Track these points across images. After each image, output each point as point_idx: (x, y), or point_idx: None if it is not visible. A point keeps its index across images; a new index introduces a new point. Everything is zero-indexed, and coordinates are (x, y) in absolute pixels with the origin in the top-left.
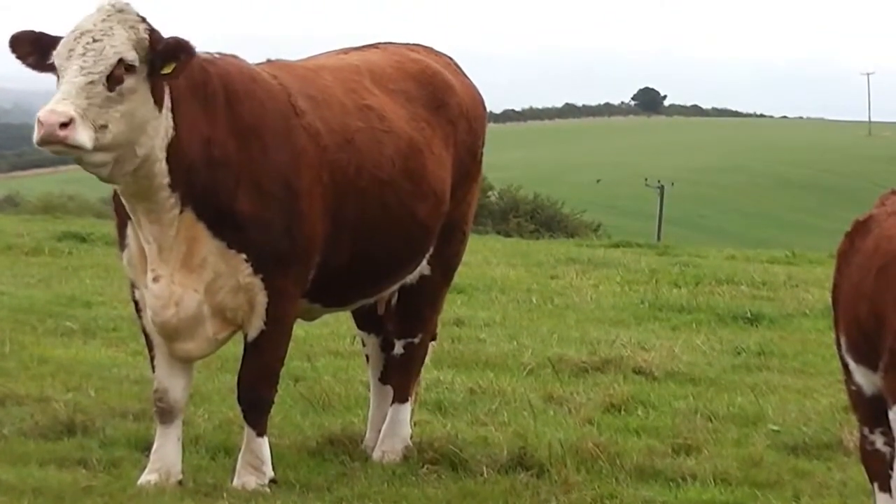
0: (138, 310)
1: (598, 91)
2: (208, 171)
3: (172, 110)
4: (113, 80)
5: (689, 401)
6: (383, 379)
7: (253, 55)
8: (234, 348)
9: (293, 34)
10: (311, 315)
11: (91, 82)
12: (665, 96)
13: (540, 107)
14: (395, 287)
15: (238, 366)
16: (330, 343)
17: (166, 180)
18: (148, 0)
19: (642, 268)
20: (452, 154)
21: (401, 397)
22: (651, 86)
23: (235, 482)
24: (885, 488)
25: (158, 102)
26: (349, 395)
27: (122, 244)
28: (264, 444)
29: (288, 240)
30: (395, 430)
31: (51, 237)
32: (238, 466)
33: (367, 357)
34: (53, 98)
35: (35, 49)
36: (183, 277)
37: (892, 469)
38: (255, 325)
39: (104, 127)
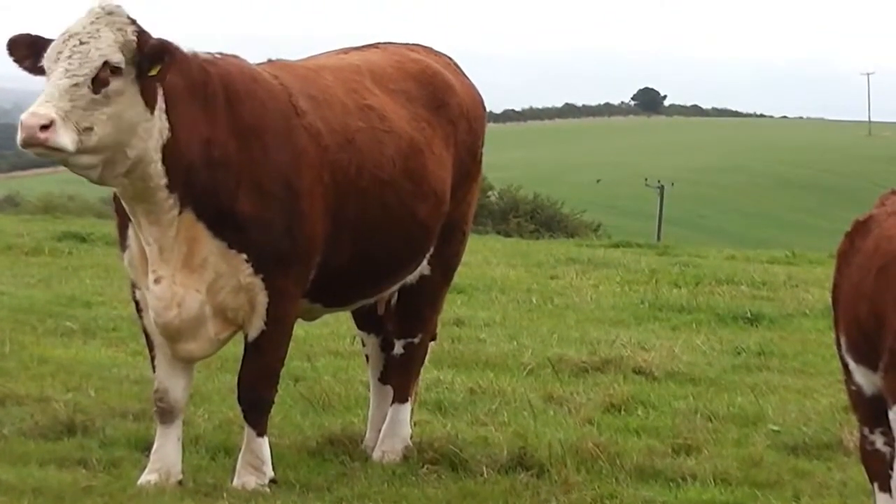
0: (139, 310)
1: (598, 91)
2: (208, 171)
3: (168, 111)
4: (98, 83)
5: (689, 401)
6: (383, 379)
7: (253, 55)
8: (234, 348)
9: (293, 34)
10: (311, 315)
11: (75, 84)
12: (665, 96)
13: (540, 107)
14: (396, 287)
15: (238, 366)
16: (330, 343)
17: (163, 181)
18: (149, 0)
19: (642, 268)
20: (453, 154)
21: (401, 397)
22: (651, 86)
23: (235, 482)
24: (885, 488)
25: (149, 104)
26: (349, 395)
27: (123, 245)
28: (264, 444)
29: (289, 240)
30: (395, 430)
31: (51, 237)
32: (238, 466)
33: (366, 357)
34: (37, 100)
35: (31, 52)
36: (184, 278)
37: (892, 469)
38: (256, 326)
39: (89, 129)
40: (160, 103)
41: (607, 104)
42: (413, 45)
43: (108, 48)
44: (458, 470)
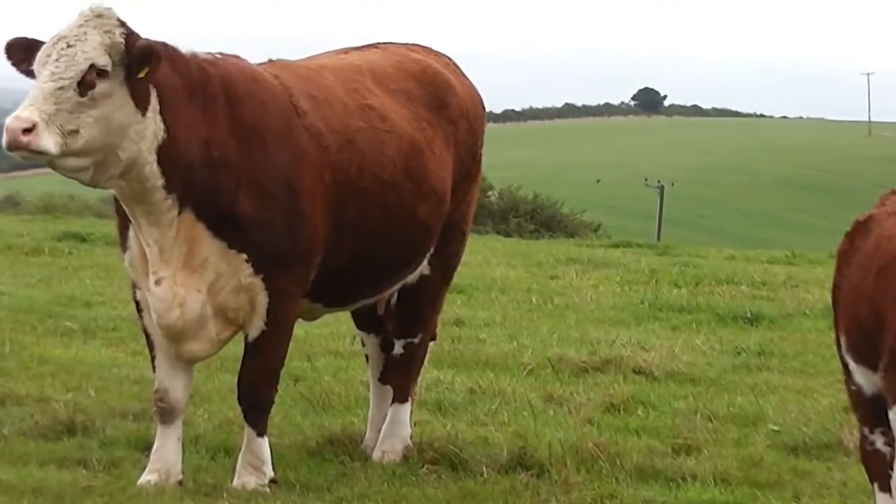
0: (139, 310)
1: (598, 91)
2: (208, 171)
3: (164, 112)
4: (84, 85)
5: (689, 401)
6: (383, 379)
7: (253, 55)
8: (234, 348)
9: (293, 34)
10: (312, 315)
11: (60, 88)
12: (665, 96)
13: (540, 107)
14: (396, 287)
15: (238, 366)
16: (330, 343)
17: (160, 182)
18: (149, 0)
19: (642, 268)
20: (453, 154)
21: (401, 397)
22: (651, 86)
23: (235, 482)
24: (885, 488)
25: (140, 105)
26: (349, 395)
27: (123, 246)
28: (264, 444)
29: (289, 240)
30: (395, 430)
31: (51, 237)
32: (238, 466)
33: (366, 357)
34: (22, 104)
35: (27, 55)
36: (185, 278)
37: (892, 469)
38: (256, 326)
39: (74, 132)
40: (154, 104)
41: (607, 104)
42: (413, 45)
43: (94, 51)
44: (458, 470)
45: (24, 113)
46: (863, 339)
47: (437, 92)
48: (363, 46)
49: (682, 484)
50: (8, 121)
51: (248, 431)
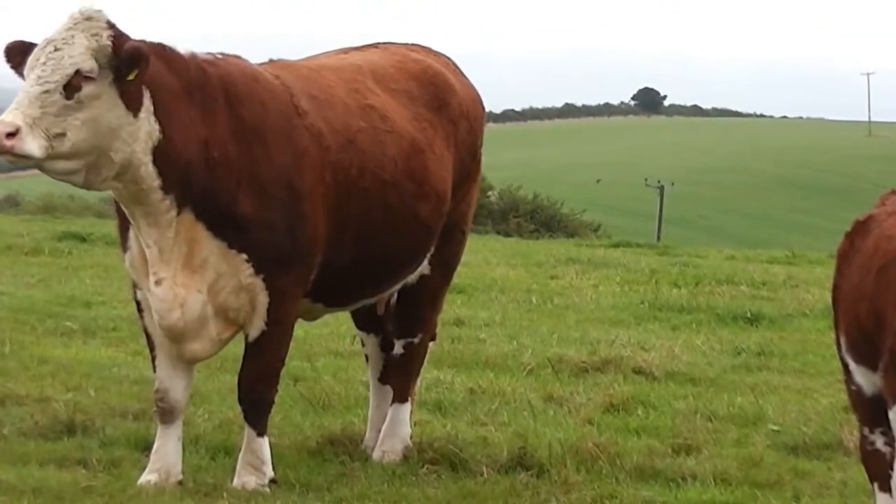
0: (140, 310)
1: (597, 91)
2: (207, 172)
3: (159, 113)
4: (70, 89)
5: (688, 401)
6: (383, 379)
7: (253, 55)
8: (234, 348)
9: (293, 34)
10: (312, 315)
11: (46, 91)
12: (665, 96)
13: (540, 107)
14: (397, 287)
15: (238, 366)
16: (330, 343)
17: (156, 183)
18: (149, 1)
19: (642, 268)
20: (454, 154)
21: (400, 397)
22: (651, 86)
23: (235, 482)
24: (886, 488)
25: (132, 107)
26: (349, 395)
27: (124, 246)
28: (264, 444)
29: (290, 241)
30: (394, 430)
31: (51, 237)
32: (238, 466)
33: (366, 357)
34: (8, 108)
35: (24, 59)
36: (185, 278)
37: (892, 469)
38: (257, 326)
39: (61, 135)
40: (147, 105)
41: (607, 104)
42: (413, 45)
43: (80, 55)
44: (458, 470)
45: (8, 117)
46: (863, 339)
47: (437, 92)
48: (363, 46)
49: (682, 484)
50: None
51: (248, 431)
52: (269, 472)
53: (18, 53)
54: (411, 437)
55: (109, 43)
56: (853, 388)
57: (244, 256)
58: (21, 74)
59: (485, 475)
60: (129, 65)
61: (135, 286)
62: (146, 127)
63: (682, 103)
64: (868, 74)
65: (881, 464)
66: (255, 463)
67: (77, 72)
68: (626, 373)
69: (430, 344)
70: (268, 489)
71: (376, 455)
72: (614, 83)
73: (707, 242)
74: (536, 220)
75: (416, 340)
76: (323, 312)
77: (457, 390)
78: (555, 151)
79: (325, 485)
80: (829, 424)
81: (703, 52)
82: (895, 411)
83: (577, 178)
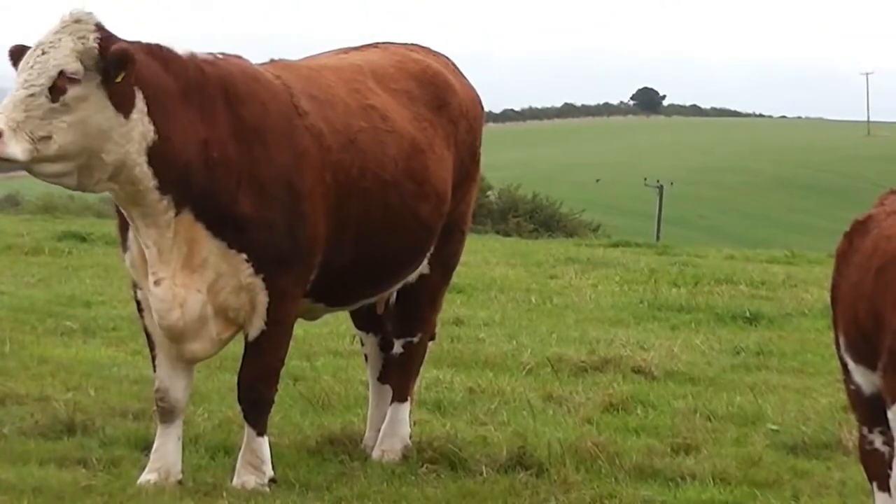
0: (140, 310)
1: (597, 91)
2: (207, 172)
3: (154, 113)
4: (56, 91)
5: (688, 400)
6: (382, 378)
7: (253, 55)
8: (234, 348)
9: (293, 34)
10: (313, 314)
11: (31, 95)
12: (664, 96)
13: (539, 107)
14: (397, 286)
15: (238, 365)
16: (330, 343)
17: (152, 183)
18: (149, 1)
19: (641, 268)
20: (453, 154)
21: (400, 397)
22: (650, 86)
23: (235, 481)
24: (884, 488)
25: (122, 108)
26: (349, 395)
27: (123, 246)
28: (264, 443)
29: (290, 240)
30: (394, 429)
31: (51, 237)
32: (238, 466)
33: (366, 356)
34: None
35: None
36: (185, 278)
37: (890, 468)
38: (256, 325)
39: (46, 138)
40: (140, 106)
41: (606, 104)
42: (412, 45)
43: (65, 58)
44: (458, 469)
45: None
46: (861, 338)
47: (437, 92)
48: (363, 46)
49: (682, 483)
50: None
51: (247, 431)
52: (269, 472)
53: (20, 57)
54: (411, 437)
55: (96, 45)
56: (852, 387)
57: (244, 256)
58: None
59: (484, 474)
60: (117, 66)
61: (135, 286)
62: (139, 128)
63: (681, 103)
64: (867, 74)
65: (880, 463)
66: (255, 462)
67: (61, 73)
68: (625, 372)
69: (430, 343)
70: (267, 488)
71: (376, 454)
72: (613, 83)
73: (706, 242)
74: (536, 219)
75: (415, 340)
76: (323, 312)
77: (456, 390)
78: (554, 151)
79: (325, 484)
80: (828, 424)
81: (702, 52)
82: (894, 411)
83: (577, 177)
